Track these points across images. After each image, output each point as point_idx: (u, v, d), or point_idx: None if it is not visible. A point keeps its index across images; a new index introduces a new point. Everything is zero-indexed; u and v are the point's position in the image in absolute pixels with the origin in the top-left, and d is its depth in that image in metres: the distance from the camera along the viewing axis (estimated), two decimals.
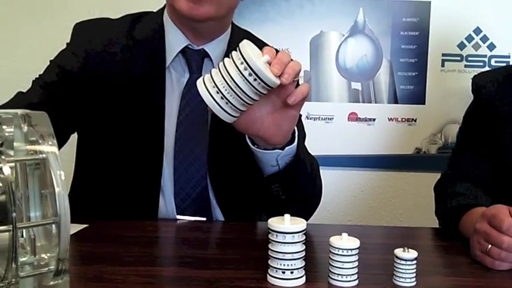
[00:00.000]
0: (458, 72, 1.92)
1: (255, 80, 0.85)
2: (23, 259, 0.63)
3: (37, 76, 1.15)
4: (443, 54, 1.93)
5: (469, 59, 1.93)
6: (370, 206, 2.00)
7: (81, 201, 1.11)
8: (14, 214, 0.58)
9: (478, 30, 1.91)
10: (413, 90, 1.94)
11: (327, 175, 1.94)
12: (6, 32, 1.93)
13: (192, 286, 0.81)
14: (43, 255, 0.64)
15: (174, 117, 1.15)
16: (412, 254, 0.81)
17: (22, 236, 0.64)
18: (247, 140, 1.01)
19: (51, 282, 0.64)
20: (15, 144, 0.61)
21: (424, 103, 1.94)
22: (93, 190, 1.17)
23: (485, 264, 0.91)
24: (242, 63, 0.85)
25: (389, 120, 1.96)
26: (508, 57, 1.90)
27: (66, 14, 1.87)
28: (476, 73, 1.70)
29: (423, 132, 1.96)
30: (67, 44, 1.18)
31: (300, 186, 1.07)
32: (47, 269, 0.63)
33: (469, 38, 1.92)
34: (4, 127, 0.60)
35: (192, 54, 1.16)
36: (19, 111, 0.62)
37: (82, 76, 1.12)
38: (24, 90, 1.14)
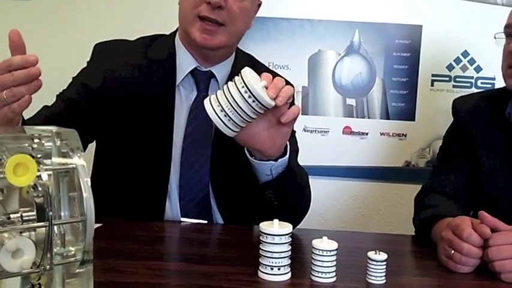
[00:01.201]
0: (447, 92, 2.02)
1: (253, 101, 0.99)
2: (55, 250, 0.76)
3: (60, 91, 1.29)
4: (432, 75, 2.03)
5: (457, 79, 2.03)
6: (362, 214, 2.12)
7: (96, 202, 1.24)
8: (50, 213, 0.71)
9: (465, 53, 2.01)
10: (404, 107, 2.05)
11: (322, 184, 2.09)
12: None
13: (193, 279, 0.94)
14: (70, 248, 0.77)
15: (182, 130, 1.28)
16: (383, 256, 0.94)
17: (54, 231, 0.77)
18: (246, 152, 1.14)
19: (77, 270, 0.77)
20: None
21: (414, 119, 2.05)
22: (108, 192, 1.29)
23: (449, 268, 1.04)
24: (243, 87, 0.99)
25: (381, 134, 2.07)
26: (494, 79, 1.99)
27: (85, 31, 2.01)
28: (463, 93, 1.83)
29: (412, 147, 2.06)
30: (88, 62, 1.32)
31: (290, 193, 1.20)
32: (74, 259, 0.76)
33: (457, 60, 2.02)
34: (43, 142, 0.73)
35: (200, 75, 1.30)
36: (54, 129, 0.76)
37: (101, 92, 1.26)
38: (49, 104, 1.27)
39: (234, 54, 1.35)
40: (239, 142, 1.09)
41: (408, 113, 2.05)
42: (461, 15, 2.00)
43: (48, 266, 0.73)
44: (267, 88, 1.01)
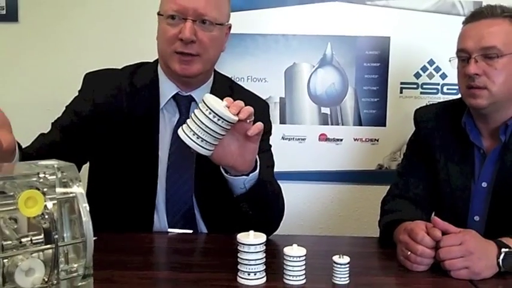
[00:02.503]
0: (415, 99, 2.16)
1: (218, 119, 1.13)
2: (60, 267, 0.88)
3: (55, 119, 1.41)
4: (401, 83, 2.16)
5: (424, 86, 2.16)
6: (339, 215, 2.24)
7: (91, 216, 1.36)
8: (56, 236, 0.84)
9: (431, 62, 2.15)
10: (375, 114, 2.18)
11: (300, 188, 2.23)
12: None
13: (180, 285, 1.08)
14: (73, 264, 0.89)
15: (167, 149, 1.41)
16: (346, 259, 1.08)
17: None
18: (222, 170, 1.27)
19: (80, 283, 0.89)
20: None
21: (385, 125, 2.18)
22: (101, 207, 1.38)
23: (407, 267, 1.18)
24: (207, 109, 1.13)
25: (354, 140, 2.20)
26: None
27: (72, 52, 2.13)
28: (431, 99, 1.96)
29: (384, 151, 2.20)
30: (79, 91, 1.44)
31: (263, 204, 1.32)
32: (76, 274, 0.89)
33: (424, 69, 2.16)
34: (47, 176, 0.86)
35: (181, 100, 1.43)
36: (55, 164, 0.88)
37: (92, 118, 1.38)
38: (45, 132, 1.40)
39: (212, 77, 1.48)
40: (214, 161, 1.22)
41: (379, 119, 2.19)
42: (427, 26, 2.13)
43: (55, 281, 0.85)
44: (228, 107, 1.15)
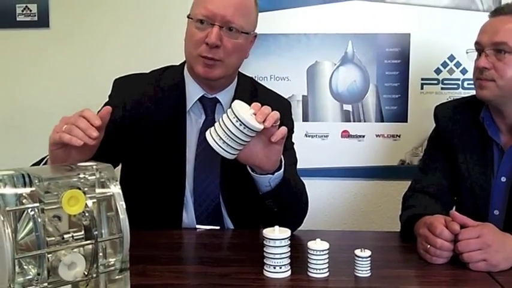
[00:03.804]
0: (436, 94, 2.18)
1: (244, 128, 1.18)
2: (99, 261, 0.95)
3: None
4: (422, 79, 2.19)
5: (445, 82, 2.19)
6: (362, 211, 2.28)
7: None
8: (95, 232, 0.91)
9: (452, 57, 2.17)
10: (396, 110, 2.21)
11: (324, 185, 2.27)
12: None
13: (209, 279, 1.13)
14: (111, 259, 0.96)
15: (194, 150, 1.47)
16: (367, 253, 1.12)
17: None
18: (248, 168, 1.33)
19: (117, 277, 0.96)
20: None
21: (406, 121, 2.21)
22: (133, 206, 1.47)
23: (426, 260, 1.22)
24: (234, 117, 1.18)
25: (376, 136, 2.23)
26: None
27: (101, 56, 2.21)
28: (451, 94, 1.98)
29: (406, 146, 2.22)
30: (109, 96, 1.51)
31: (287, 201, 1.37)
32: (114, 268, 0.95)
33: (444, 64, 2.18)
34: (87, 176, 0.92)
35: (207, 102, 1.49)
36: (94, 165, 0.95)
37: (123, 121, 1.45)
38: None
39: (236, 80, 1.54)
40: (241, 161, 1.28)
41: (401, 115, 2.22)
42: (446, 22, 2.16)
43: (94, 275, 0.92)
44: (256, 114, 1.20)
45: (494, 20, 1.44)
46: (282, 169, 1.31)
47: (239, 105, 1.20)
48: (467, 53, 1.52)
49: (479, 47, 1.44)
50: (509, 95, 1.41)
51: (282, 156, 1.30)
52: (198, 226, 1.49)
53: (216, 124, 1.21)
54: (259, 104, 1.21)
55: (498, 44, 1.39)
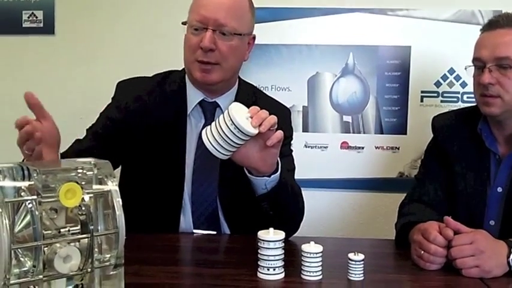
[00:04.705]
0: (435, 107, 2.18)
1: (238, 132, 1.20)
2: (94, 256, 0.96)
3: (90, 126, 1.50)
4: (422, 91, 2.20)
5: (445, 95, 2.19)
6: (360, 222, 2.27)
7: None
8: (91, 227, 0.92)
9: (451, 71, 2.18)
10: (396, 123, 2.22)
11: (322, 195, 2.27)
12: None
13: (204, 280, 1.14)
14: (106, 254, 0.97)
15: (193, 153, 1.49)
16: (360, 256, 1.13)
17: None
18: (245, 170, 1.34)
19: (111, 272, 0.97)
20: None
21: (405, 133, 2.21)
22: (131, 208, 1.49)
23: (420, 266, 1.23)
24: (229, 120, 1.20)
25: (376, 148, 2.24)
26: None
27: (104, 63, 2.24)
28: (451, 107, 1.99)
29: (405, 159, 2.22)
30: (112, 98, 1.54)
31: (283, 204, 1.38)
32: (108, 263, 0.97)
33: (444, 77, 2.19)
34: (85, 171, 0.94)
35: (207, 106, 1.51)
36: (92, 161, 0.96)
37: (124, 123, 1.47)
38: (81, 137, 1.50)
39: (236, 85, 1.56)
40: (237, 162, 1.29)
41: (400, 128, 2.22)
42: (447, 36, 2.17)
43: (89, 269, 0.93)
44: (252, 118, 1.21)
45: (492, 33, 1.43)
46: (279, 172, 1.33)
47: (236, 108, 1.22)
48: (465, 69, 1.53)
49: (480, 63, 1.43)
50: None
51: (278, 159, 1.32)
52: (195, 230, 1.50)
53: (213, 124, 1.23)
54: (258, 108, 1.23)
55: (501, 59, 1.39)
